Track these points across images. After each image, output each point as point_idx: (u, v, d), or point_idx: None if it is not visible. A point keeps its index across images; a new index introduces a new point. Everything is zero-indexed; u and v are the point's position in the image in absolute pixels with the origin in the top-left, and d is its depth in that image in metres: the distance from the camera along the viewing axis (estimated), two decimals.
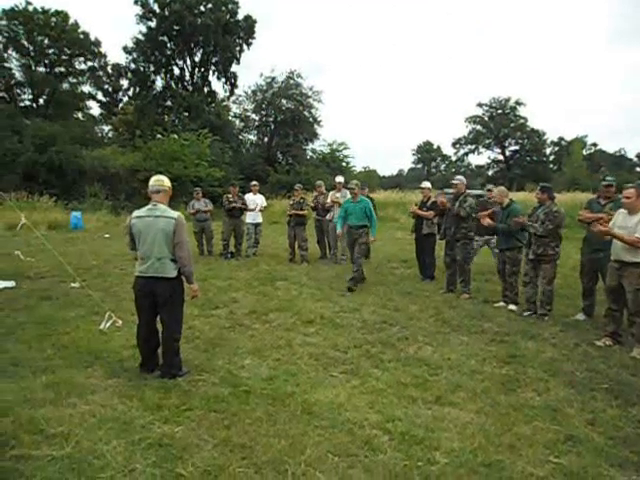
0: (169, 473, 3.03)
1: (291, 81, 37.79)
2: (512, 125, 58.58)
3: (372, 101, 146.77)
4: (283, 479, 3.01)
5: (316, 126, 39.21)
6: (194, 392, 4.19)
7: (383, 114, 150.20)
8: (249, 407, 3.93)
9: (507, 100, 58.89)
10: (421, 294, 8.11)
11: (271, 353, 5.21)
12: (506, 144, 60.29)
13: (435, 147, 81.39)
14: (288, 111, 37.37)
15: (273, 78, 37.95)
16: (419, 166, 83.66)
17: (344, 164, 37.94)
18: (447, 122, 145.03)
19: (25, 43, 37.15)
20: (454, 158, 68.63)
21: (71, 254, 10.65)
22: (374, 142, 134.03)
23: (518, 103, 58.54)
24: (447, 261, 8.26)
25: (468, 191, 8.30)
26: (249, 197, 11.82)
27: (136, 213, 4.58)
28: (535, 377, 4.69)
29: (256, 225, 11.84)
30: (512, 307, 7.20)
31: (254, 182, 12.54)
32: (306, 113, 38.33)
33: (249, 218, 11.68)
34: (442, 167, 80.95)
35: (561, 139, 60.95)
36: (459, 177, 8.28)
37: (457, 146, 63.85)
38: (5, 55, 36.94)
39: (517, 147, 60.20)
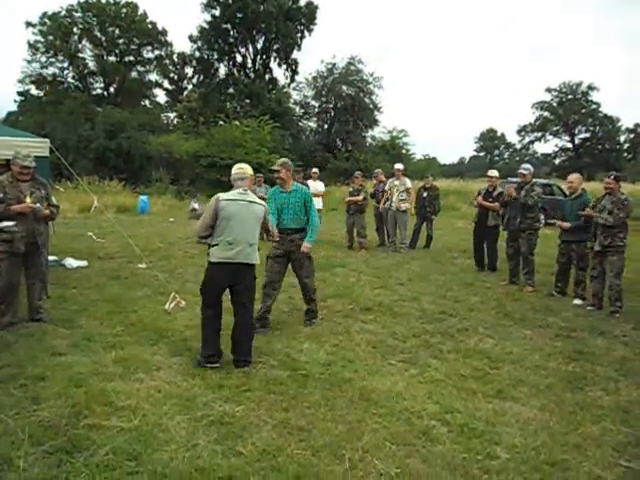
0: (230, 450, 3.12)
1: (352, 67, 37.42)
2: (583, 111, 55.54)
3: (434, 87, 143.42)
4: (340, 464, 3.03)
5: (376, 113, 38.73)
6: (254, 374, 4.29)
7: (445, 100, 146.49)
8: (307, 391, 3.98)
9: (578, 85, 55.85)
10: (482, 285, 7.92)
11: (329, 339, 5.24)
12: (576, 131, 57.29)
13: (499, 134, 78.64)
14: (348, 97, 37.08)
15: (334, 64, 37.74)
16: (481, 154, 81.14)
17: (404, 151, 37.39)
18: (512, 109, 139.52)
19: (98, 34, 38.72)
20: (519, 146, 65.98)
21: (138, 236, 11.10)
22: (435, 129, 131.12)
23: (591, 88, 55.38)
24: (510, 252, 8.00)
25: (534, 180, 7.99)
26: (309, 183, 11.87)
27: (225, 196, 4.33)
28: (604, 376, 4.49)
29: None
30: (577, 302, 6.90)
31: (314, 169, 12.59)
32: (366, 99, 37.91)
33: None
34: (505, 155, 78.18)
35: (637, 125, 57.34)
36: (527, 166, 7.97)
37: (522, 133, 61.32)
38: (80, 46, 38.71)
39: (588, 134, 57.07)
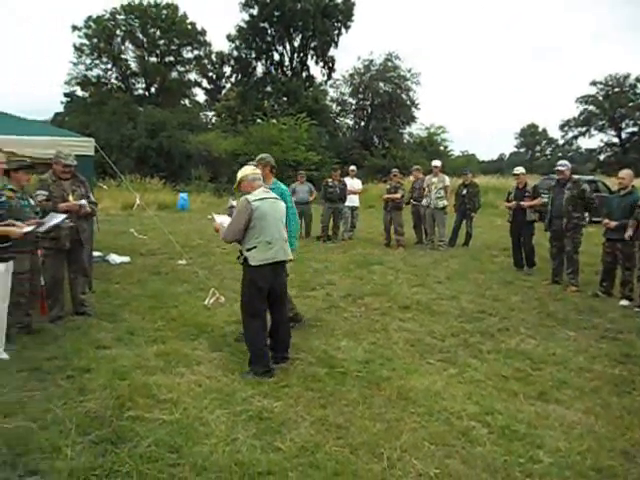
0: (268, 446, 3.15)
1: (389, 63, 37.13)
2: (630, 104, 53.39)
3: (473, 81, 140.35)
4: (378, 462, 3.02)
5: (413, 109, 38.36)
6: (292, 370, 4.31)
7: (484, 95, 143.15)
8: (345, 388, 3.98)
9: (626, 77, 53.65)
10: (523, 284, 7.73)
11: (367, 336, 5.22)
12: (622, 125, 55.19)
13: (540, 130, 76.53)
14: (385, 94, 36.82)
15: (371, 61, 37.53)
16: (522, 150, 79.13)
17: (441, 148, 36.88)
18: (555, 103, 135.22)
19: (140, 35, 39.60)
20: (561, 141, 64.04)
21: (178, 233, 11.32)
22: (474, 125, 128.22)
23: (639, 80, 53.25)
24: (554, 252, 7.77)
25: (577, 176, 7.75)
26: (347, 181, 11.87)
27: (253, 197, 4.19)
28: None
29: (353, 209, 11.92)
30: (624, 303, 6.66)
31: (352, 166, 12.58)
32: (404, 96, 37.57)
33: (347, 201, 11.75)
34: (547, 151, 76.01)
35: None
36: (564, 162, 7.73)
37: (565, 128, 59.42)
38: (122, 47, 39.71)
39: (635, 129, 54.86)
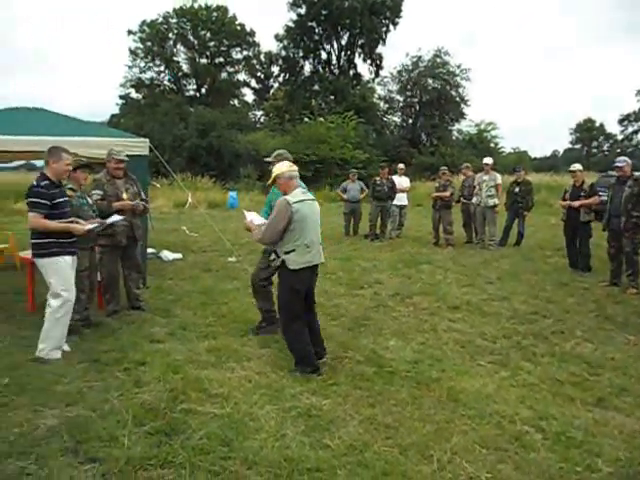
0: (317, 443, 3.16)
1: (438, 59, 36.57)
2: None
3: (524, 76, 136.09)
4: (428, 464, 2.98)
5: (463, 105, 37.65)
6: (340, 368, 4.32)
7: (537, 90, 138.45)
8: (393, 388, 3.95)
9: None
10: (579, 286, 7.44)
11: (415, 336, 5.17)
12: None
13: (597, 125, 73.42)
14: (434, 91, 36.29)
15: (419, 57, 37.09)
16: (577, 146, 76.12)
17: (492, 145, 36.03)
18: (613, 97, 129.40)
19: (191, 38, 40.60)
20: (620, 137, 61.34)
21: (228, 231, 11.53)
22: (526, 121, 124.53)
23: None
24: (612, 252, 7.44)
25: (637, 173, 7.39)
26: (395, 179, 11.77)
27: (293, 199, 4.08)
28: None
29: (401, 207, 11.82)
30: None
31: (400, 164, 12.48)
32: (453, 92, 36.92)
33: (395, 200, 11.66)
34: (605, 147, 72.85)
35: None
36: (623, 158, 7.37)
37: (625, 123, 57.00)
38: (174, 50, 40.83)
39: None
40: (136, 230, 5.75)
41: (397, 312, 6.03)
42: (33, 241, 4.37)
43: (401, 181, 11.90)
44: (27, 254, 5.83)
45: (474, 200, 10.57)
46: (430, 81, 36.57)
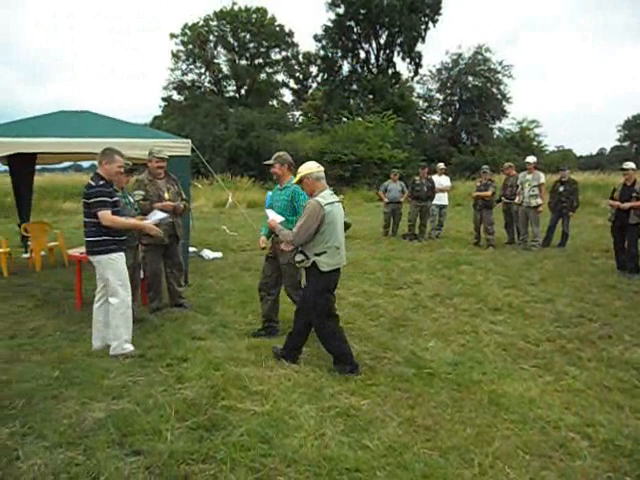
0: (356, 443, 3.16)
1: (479, 56, 35.90)
2: None
3: (570, 72, 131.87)
4: (469, 468, 2.93)
5: (505, 103, 36.82)
6: (379, 369, 4.30)
7: (582, 86, 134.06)
8: (433, 390, 3.90)
9: None
10: (627, 289, 7.17)
11: (456, 338, 5.09)
12: None
13: None
14: (475, 88, 35.63)
15: (459, 55, 36.51)
16: (625, 144, 73.24)
17: (535, 144, 35.09)
18: None
19: (231, 40, 41.23)
20: None
21: None
22: (570, 118, 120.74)
23: None
24: None
25: None
26: (434, 179, 11.64)
27: (324, 200, 4.07)
28: None
29: (441, 207, 11.68)
30: None
31: (440, 164, 12.32)
32: (494, 90, 36.17)
33: (434, 199, 11.52)
34: None
35: None
36: None
37: None
38: (215, 52, 41.53)
39: None
40: (177, 229, 5.86)
41: (437, 313, 5.96)
42: (90, 239, 4.47)
43: (441, 180, 11.76)
44: (75, 252, 6.05)
45: (516, 200, 10.33)
46: (470, 79, 35.94)
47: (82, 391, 3.78)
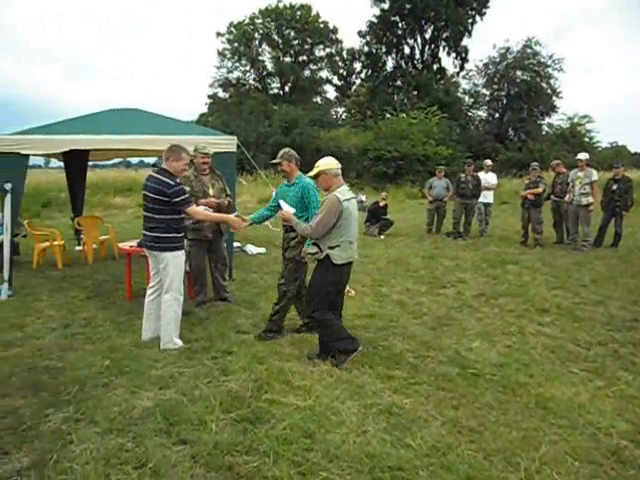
0: (398, 441, 3.14)
1: (528, 50, 34.87)
2: None
3: (623, 65, 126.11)
4: (514, 472, 2.86)
5: (554, 98, 35.67)
6: (422, 367, 4.26)
7: (637, 80, 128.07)
8: (478, 391, 3.83)
9: None
10: None
11: (501, 339, 4.98)
12: None
13: None
14: (523, 83, 34.65)
15: (507, 48, 35.55)
16: None
17: (586, 140, 33.89)
18: None
19: (275, 37, 41.60)
20: None
21: None
22: (624, 113, 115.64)
23: None
24: None
25: None
26: (480, 176, 11.40)
27: (342, 196, 4.13)
28: None
29: (486, 205, 11.43)
30: None
31: (487, 160, 12.07)
32: (543, 84, 35.08)
33: (480, 197, 11.30)
34: None
35: None
36: None
37: None
38: (260, 49, 41.99)
39: None
40: (221, 224, 5.96)
41: (482, 313, 5.84)
42: (160, 235, 4.51)
43: (487, 178, 11.50)
44: (125, 245, 6.25)
45: (566, 198, 10.00)
46: (519, 73, 34.98)
47: (131, 380, 3.91)
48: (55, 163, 12.76)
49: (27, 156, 6.56)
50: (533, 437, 3.22)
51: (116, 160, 15.14)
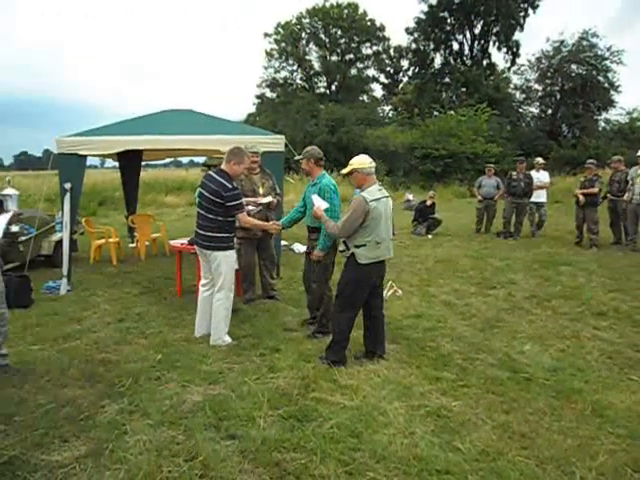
0: (447, 445, 3.08)
1: (584, 42, 33.41)
2: None
3: None
4: None
5: (612, 92, 34.03)
6: (471, 370, 4.17)
7: None
8: (530, 396, 3.72)
9: None
10: None
11: (554, 342, 4.81)
12: None
13: None
14: (578, 77, 33.24)
15: (562, 42, 34.15)
16: None
17: None
18: None
19: (322, 36, 41.65)
20: None
21: None
22: None
23: None
24: None
25: None
26: (532, 174, 11.06)
27: (370, 196, 4.10)
28: None
29: (538, 205, 11.07)
30: None
31: (539, 158, 11.69)
32: (600, 78, 33.53)
33: (532, 196, 10.96)
34: None
35: None
36: None
37: None
38: (307, 49, 42.17)
39: None
40: None
41: (533, 315, 5.67)
42: (214, 234, 4.59)
43: (540, 176, 11.14)
44: (176, 243, 6.42)
45: (625, 197, 9.56)
46: (574, 67, 33.58)
47: (182, 374, 4.02)
48: (110, 163, 13.23)
49: (85, 157, 6.83)
50: (589, 446, 3.10)
51: (167, 160, 15.58)
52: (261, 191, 5.88)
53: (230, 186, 4.54)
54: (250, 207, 5.33)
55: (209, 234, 4.61)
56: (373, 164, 4.29)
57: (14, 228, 7.15)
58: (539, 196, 11.03)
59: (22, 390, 3.74)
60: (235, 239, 5.71)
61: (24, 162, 77.03)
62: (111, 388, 3.80)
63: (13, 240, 7.13)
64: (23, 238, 7.33)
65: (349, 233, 4.16)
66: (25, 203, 13.07)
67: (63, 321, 5.45)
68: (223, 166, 4.67)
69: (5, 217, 4.12)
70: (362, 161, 4.26)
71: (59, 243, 7.56)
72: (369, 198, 4.09)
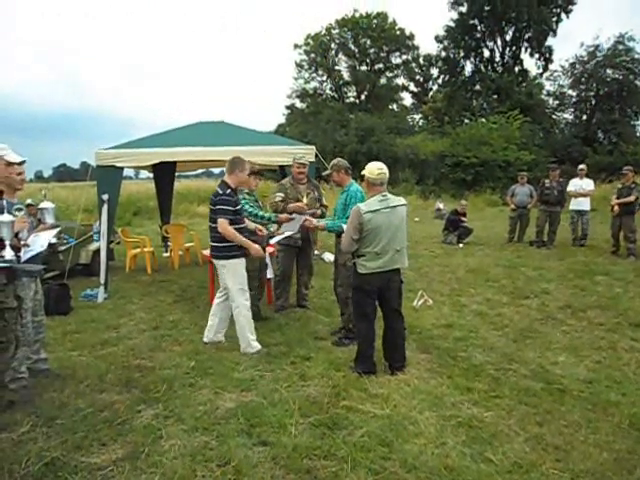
0: (479, 456, 3.06)
1: (620, 46, 32.65)
2: None
3: None
4: None
5: None
6: (503, 380, 4.12)
7: None
8: (564, 408, 3.66)
9: None
10: None
11: (590, 353, 4.71)
12: None
13: None
14: (614, 82, 32.47)
15: (597, 46, 33.42)
16: None
17: None
18: None
19: (352, 46, 41.85)
20: None
21: None
22: None
23: None
24: None
25: None
26: (573, 182, 10.84)
27: (366, 207, 4.10)
28: None
29: (580, 213, 10.79)
30: None
31: (581, 165, 11.42)
32: (638, 82, 32.69)
33: (572, 204, 10.73)
34: None
35: None
36: None
37: None
38: (336, 59, 42.44)
39: None
40: (311, 233, 6.08)
41: (568, 326, 5.56)
42: (216, 244, 4.76)
43: (582, 184, 10.84)
44: (208, 252, 6.55)
45: None
46: (609, 72, 32.84)
47: (215, 381, 4.10)
48: (144, 174, 13.58)
49: (122, 168, 7.05)
50: (627, 460, 3.03)
51: (199, 170, 15.90)
52: (305, 200, 5.95)
53: (222, 192, 4.66)
54: (277, 237, 5.47)
55: (214, 244, 4.77)
56: (383, 173, 4.21)
57: (54, 239, 7.40)
58: (581, 204, 10.75)
59: (63, 394, 3.87)
60: (276, 246, 5.79)
61: (63, 174, 79.49)
62: (147, 394, 3.90)
63: (53, 250, 7.40)
64: (62, 248, 7.60)
65: (350, 246, 4.19)
66: (64, 214, 13.53)
67: (100, 328, 5.62)
68: (225, 178, 4.80)
69: (51, 233, 4.29)
70: (370, 170, 4.23)
71: (96, 252, 7.81)
72: (364, 209, 4.09)
